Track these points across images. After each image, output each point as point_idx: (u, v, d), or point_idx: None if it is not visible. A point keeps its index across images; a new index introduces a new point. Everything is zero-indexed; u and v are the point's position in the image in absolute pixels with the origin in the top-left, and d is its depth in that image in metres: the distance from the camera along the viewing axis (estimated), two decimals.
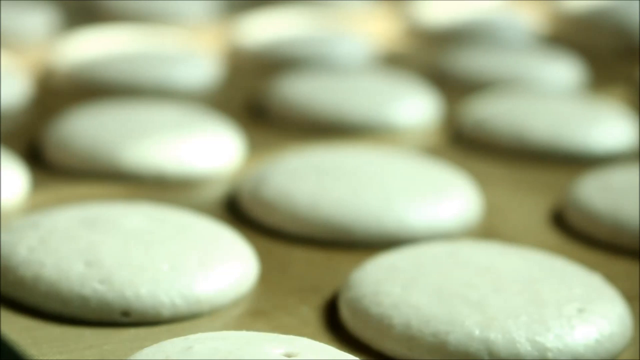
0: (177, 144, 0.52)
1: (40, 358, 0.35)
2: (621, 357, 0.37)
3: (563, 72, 0.71)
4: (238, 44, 0.76)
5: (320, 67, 0.71)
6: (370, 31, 0.82)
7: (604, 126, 0.58)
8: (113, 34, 0.73)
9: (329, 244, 0.45)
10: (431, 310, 0.36)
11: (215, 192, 0.50)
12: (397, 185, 0.47)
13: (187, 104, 0.60)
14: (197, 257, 0.39)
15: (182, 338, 0.34)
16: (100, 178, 0.51)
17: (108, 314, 0.37)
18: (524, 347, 0.35)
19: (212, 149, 0.53)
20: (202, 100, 0.64)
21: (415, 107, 0.62)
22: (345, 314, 0.38)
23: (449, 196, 0.47)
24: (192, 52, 0.70)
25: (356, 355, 0.34)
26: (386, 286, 0.38)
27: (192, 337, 0.34)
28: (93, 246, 0.39)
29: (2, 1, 0.79)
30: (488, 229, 0.47)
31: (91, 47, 0.69)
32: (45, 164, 0.52)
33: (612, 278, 0.40)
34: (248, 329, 0.36)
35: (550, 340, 0.35)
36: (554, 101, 0.63)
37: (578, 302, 0.37)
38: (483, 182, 0.51)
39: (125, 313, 0.37)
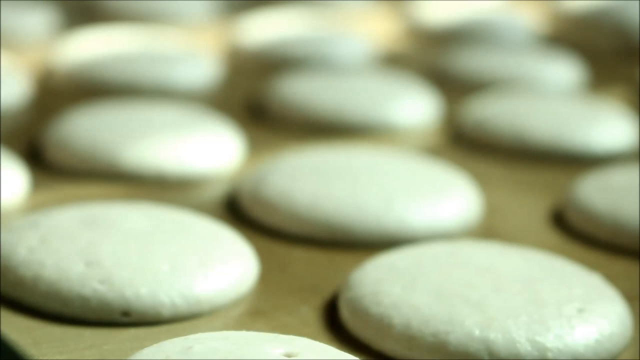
0: (177, 144, 0.52)
1: (40, 358, 0.35)
2: (621, 357, 0.37)
3: (563, 72, 0.71)
4: (238, 44, 0.76)
5: (320, 67, 0.71)
6: (370, 31, 0.82)
7: (604, 126, 0.58)
8: (113, 34, 0.73)
9: (329, 244, 0.45)
10: (431, 310, 0.36)
11: (215, 192, 0.50)
12: (397, 185, 0.47)
13: (187, 104, 0.60)
14: (197, 257, 0.39)
15: (182, 338, 0.34)
16: (100, 178, 0.51)
17: (108, 314, 0.37)
18: (524, 347, 0.35)
19: (212, 149, 0.53)
20: (202, 100, 0.64)
21: (415, 107, 0.62)
22: (345, 314, 0.38)
23: (449, 196, 0.47)
24: (192, 52, 0.70)
25: (356, 355, 0.34)
26: (386, 286, 0.38)
27: (192, 337, 0.34)
28: (93, 246, 0.39)
29: (2, 1, 0.79)
30: (488, 229, 0.47)
31: (91, 47, 0.69)
32: (45, 164, 0.52)
33: (612, 278, 0.40)
34: (248, 329, 0.36)
35: (550, 340, 0.35)
36: (554, 101, 0.63)
37: (578, 302, 0.37)
38: (483, 182, 0.51)
39: (125, 313, 0.37)
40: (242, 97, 0.65)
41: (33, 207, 0.47)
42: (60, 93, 0.65)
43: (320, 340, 0.35)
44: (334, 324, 0.38)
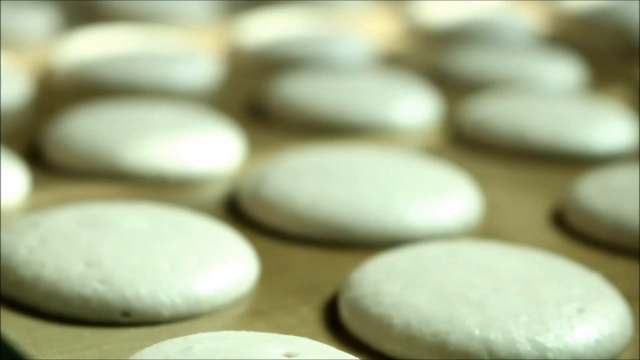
0: (177, 144, 0.52)
1: (40, 358, 0.35)
2: (621, 357, 0.37)
3: (563, 72, 0.71)
4: (238, 44, 0.76)
5: (320, 67, 0.71)
6: (370, 31, 0.82)
7: (604, 126, 0.58)
8: (113, 34, 0.73)
9: (329, 244, 0.45)
10: (431, 310, 0.36)
11: (215, 192, 0.50)
12: (397, 185, 0.47)
13: (187, 104, 0.60)
14: (197, 257, 0.39)
15: (182, 338, 0.34)
16: (100, 178, 0.51)
17: (108, 314, 0.37)
18: (524, 347, 0.35)
19: (212, 149, 0.53)
20: (202, 100, 0.64)
21: (415, 107, 0.62)
22: (345, 314, 0.38)
23: (449, 196, 0.47)
24: (192, 52, 0.70)
25: (356, 355, 0.34)
26: (386, 286, 0.38)
27: (192, 337, 0.34)
28: (93, 246, 0.39)
29: (2, 1, 0.79)
30: (488, 229, 0.47)
31: (91, 47, 0.69)
32: (45, 164, 0.52)
33: (612, 278, 0.40)
34: (248, 329, 0.36)
35: (550, 340, 0.35)
36: (554, 101, 0.63)
37: (578, 302, 0.37)
38: (483, 182, 0.51)
39: (125, 313, 0.37)
40: (242, 97, 0.65)
41: (33, 207, 0.47)
42: (60, 93, 0.65)
43: (320, 340, 0.35)
44: (334, 324, 0.38)
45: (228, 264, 0.40)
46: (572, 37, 0.84)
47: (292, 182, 0.47)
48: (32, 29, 0.76)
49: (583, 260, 0.43)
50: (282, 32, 0.77)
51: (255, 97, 0.65)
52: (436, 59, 0.73)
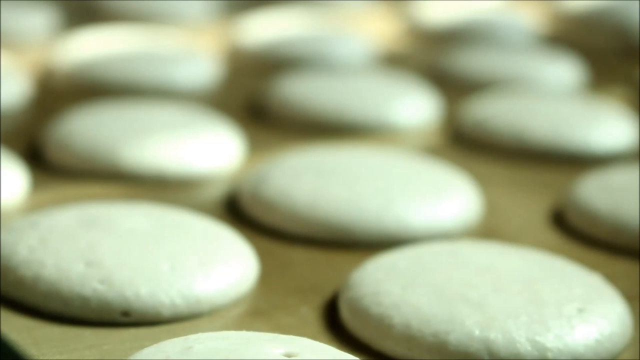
0: (177, 144, 0.52)
1: (40, 358, 0.35)
2: (621, 357, 0.37)
3: (563, 72, 0.71)
4: (238, 44, 0.76)
5: (320, 67, 0.71)
6: (370, 31, 0.82)
7: (604, 126, 0.58)
8: (113, 34, 0.73)
9: (329, 244, 0.45)
10: (431, 310, 0.36)
11: (215, 192, 0.50)
12: (397, 185, 0.47)
13: (187, 104, 0.60)
14: (197, 257, 0.39)
15: (182, 338, 0.34)
16: (100, 178, 0.51)
17: (108, 314, 0.37)
18: (524, 347, 0.35)
19: (212, 149, 0.53)
20: (202, 100, 0.64)
21: (415, 107, 0.62)
22: (345, 314, 0.38)
23: (449, 196, 0.47)
24: (192, 52, 0.70)
25: (356, 355, 0.34)
26: (386, 286, 0.38)
27: (192, 337, 0.34)
28: (93, 246, 0.39)
29: (2, 1, 0.79)
30: (488, 229, 0.47)
31: (91, 47, 0.69)
32: (45, 164, 0.52)
33: (612, 278, 0.40)
34: (248, 329, 0.36)
35: (550, 340, 0.35)
36: (554, 101, 0.63)
37: (578, 302, 0.37)
38: (483, 182, 0.51)
39: (125, 313, 0.37)
40: (242, 97, 0.65)
41: (33, 207, 0.47)
42: (60, 93, 0.65)
43: (320, 340, 0.35)
44: (334, 324, 0.38)
45: (228, 264, 0.40)
46: (572, 37, 0.84)
47: (292, 182, 0.47)
48: (32, 29, 0.76)
49: (583, 260, 0.43)
50: (282, 32, 0.77)
51: (255, 97, 0.65)
52: (436, 59, 0.73)
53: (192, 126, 0.54)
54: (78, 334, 0.37)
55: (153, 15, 0.83)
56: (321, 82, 0.63)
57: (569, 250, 0.45)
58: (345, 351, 0.34)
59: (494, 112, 0.59)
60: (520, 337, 0.35)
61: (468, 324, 0.36)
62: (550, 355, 0.35)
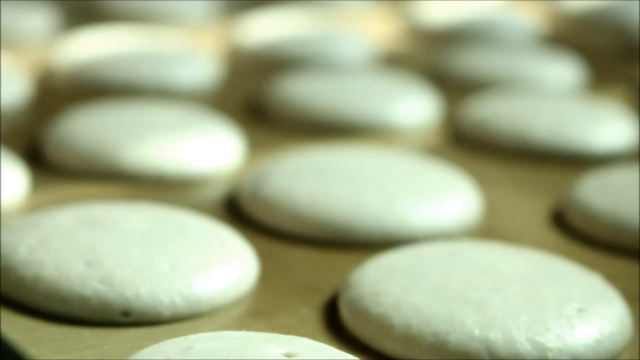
0: (177, 144, 0.52)
1: (40, 358, 0.35)
2: (621, 357, 0.37)
3: (563, 72, 0.71)
4: (238, 44, 0.76)
5: (320, 67, 0.71)
6: (370, 31, 0.82)
7: (604, 126, 0.58)
8: (113, 34, 0.73)
9: (329, 244, 0.45)
10: (431, 310, 0.36)
11: (215, 192, 0.50)
12: (397, 185, 0.47)
13: (187, 104, 0.60)
14: (197, 257, 0.39)
15: (182, 338, 0.34)
16: (100, 178, 0.51)
17: (108, 314, 0.37)
18: (524, 347, 0.35)
19: (212, 149, 0.53)
20: (202, 100, 0.64)
21: (415, 107, 0.62)
22: (345, 314, 0.38)
23: (449, 196, 0.47)
24: (192, 52, 0.70)
25: (356, 355, 0.34)
26: (386, 286, 0.38)
27: (192, 337, 0.34)
28: (93, 246, 0.39)
29: (2, 1, 0.79)
30: (488, 229, 0.47)
31: (91, 47, 0.69)
32: (45, 164, 0.52)
33: (612, 278, 0.40)
34: (248, 329, 0.36)
35: (550, 340, 0.35)
36: (554, 101, 0.63)
37: (578, 302, 0.37)
38: (483, 182, 0.51)
39: (125, 313, 0.37)
40: (242, 97, 0.65)
41: (33, 207, 0.47)
42: (60, 93, 0.65)
43: (320, 340, 0.35)
44: (334, 324, 0.38)
45: (228, 264, 0.40)
46: (572, 37, 0.84)
47: (292, 182, 0.47)
48: (32, 29, 0.76)
49: (583, 260, 0.43)
50: (282, 32, 0.77)
51: (255, 97, 0.65)
52: (436, 59, 0.73)
53: (192, 126, 0.54)
54: (78, 334, 0.37)
55: (153, 15, 0.83)
56: (321, 82, 0.63)
57: (569, 250, 0.45)
58: (345, 351, 0.34)
59: (494, 112, 0.59)
60: (520, 337, 0.35)
61: (468, 324, 0.36)
62: (550, 355, 0.35)
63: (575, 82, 0.70)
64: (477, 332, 0.35)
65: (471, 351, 0.35)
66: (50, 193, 0.49)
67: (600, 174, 0.50)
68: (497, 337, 0.35)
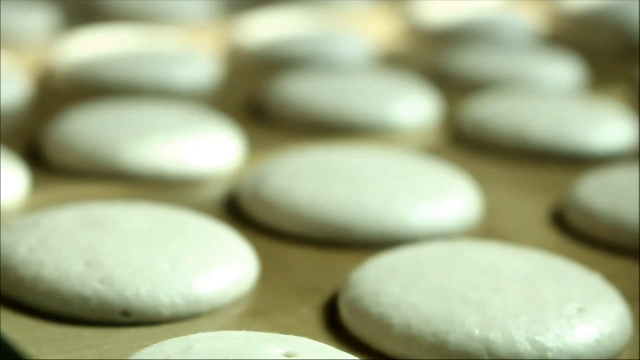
0: (177, 144, 0.52)
1: (40, 358, 0.35)
2: (621, 357, 0.37)
3: (563, 72, 0.71)
4: (238, 44, 0.76)
5: (320, 67, 0.71)
6: (370, 31, 0.82)
7: (604, 126, 0.58)
8: (113, 34, 0.73)
9: (329, 244, 0.45)
10: (431, 310, 0.36)
11: (215, 192, 0.50)
12: (397, 185, 0.47)
13: (187, 104, 0.60)
14: (197, 257, 0.39)
15: (182, 338, 0.34)
16: (100, 178, 0.51)
17: (108, 314, 0.37)
18: (524, 346, 0.35)
19: (212, 149, 0.53)
20: (202, 100, 0.64)
21: (415, 107, 0.62)
22: (345, 314, 0.38)
23: (449, 196, 0.47)
24: (192, 52, 0.70)
25: (356, 355, 0.34)
26: (386, 286, 0.38)
27: (192, 337, 0.34)
28: (93, 246, 0.39)
29: (2, 1, 0.79)
30: (488, 229, 0.47)
31: (91, 47, 0.69)
32: (45, 164, 0.52)
33: (612, 278, 0.40)
34: (248, 329, 0.36)
35: (550, 340, 0.35)
36: (554, 101, 0.63)
37: (578, 302, 0.37)
38: (483, 182, 0.51)
39: (125, 313, 0.37)
40: (242, 97, 0.65)
41: (33, 207, 0.47)
42: (60, 93, 0.65)
43: (320, 340, 0.35)
44: (334, 324, 0.38)
45: (228, 264, 0.40)
46: (572, 37, 0.84)
47: (292, 182, 0.47)
48: (32, 29, 0.76)
49: (583, 260, 0.43)
50: (282, 32, 0.77)
51: (255, 97, 0.65)
52: (436, 59, 0.73)
53: (192, 126, 0.54)
54: (78, 334, 0.37)
55: (153, 15, 0.83)
56: (321, 82, 0.64)
57: (569, 250, 0.45)
58: (345, 351, 0.34)
59: (494, 112, 0.59)
60: (521, 337, 0.35)
61: (468, 324, 0.36)
62: (550, 355, 0.35)
63: (575, 82, 0.70)
64: (477, 332, 0.35)
65: (471, 351, 0.35)
66: (50, 193, 0.49)
67: (600, 174, 0.50)
68: (497, 337, 0.35)
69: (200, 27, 0.82)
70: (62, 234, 0.40)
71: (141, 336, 0.37)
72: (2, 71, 0.62)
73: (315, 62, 0.72)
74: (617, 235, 0.45)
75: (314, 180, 0.47)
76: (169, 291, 0.38)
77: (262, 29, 0.77)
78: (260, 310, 0.39)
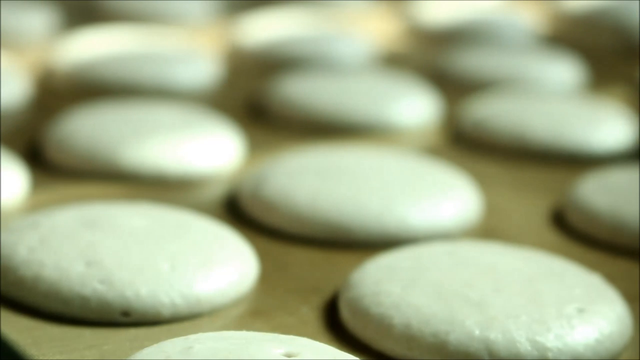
0: (177, 144, 0.52)
1: (40, 358, 0.35)
2: (621, 357, 0.37)
3: (563, 72, 0.71)
4: (238, 44, 0.76)
5: (320, 67, 0.71)
6: (370, 31, 0.82)
7: (604, 126, 0.58)
8: (113, 34, 0.73)
9: (329, 244, 0.45)
10: (431, 310, 0.36)
11: (215, 192, 0.50)
12: (397, 185, 0.47)
13: (187, 104, 0.60)
14: (197, 257, 0.39)
15: (182, 338, 0.34)
16: (100, 178, 0.51)
17: (108, 314, 0.37)
18: (524, 347, 0.35)
19: (212, 149, 0.53)
20: (202, 100, 0.64)
21: (415, 107, 0.62)
22: (345, 314, 0.38)
23: (449, 196, 0.47)
24: (192, 52, 0.70)
25: (356, 355, 0.34)
26: (386, 286, 0.38)
27: (192, 337, 0.34)
28: (93, 246, 0.39)
29: (2, 1, 0.79)
30: (488, 229, 0.47)
31: (91, 47, 0.69)
32: (45, 164, 0.52)
33: (612, 278, 0.40)
34: (248, 329, 0.36)
35: (551, 340, 0.35)
36: (554, 101, 0.63)
37: (578, 302, 0.37)
38: (483, 182, 0.51)
39: (125, 313, 0.37)
40: (242, 97, 0.65)
41: (33, 207, 0.47)
42: (60, 93, 0.65)
43: (320, 340, 0.35)
44: (334, 324, 0.38)
45: (228, 264, 0.40)
46: (572, 37, 0.84)
47: (292, 182, 0.47)
48: (32, 29, 0.76)
49: (583, 260, 0.43)
50: (282, 32, 0.77)
51: (255, 97, 0.65)
52: (436, 59, 0.73)
53: (192, 126, 0.54)
54: (78, 334, 0.37)
55: (153, 15, 0.83)
56: (321, 82, 0.64)
57: (569, 250, 0.45)
58: (345, 351, 0.34)
59: (494, 112, 0.59)
60: (521, 337, 0.35)
61: (468, 324, 0.36)
62: (550, 355, 0.35)
63: (575, 82, 0.70)
64: (477, 332, 0.35)
65: (471, 351, 0.35)
66: (50, 193, 0.49)
67: (600, 174, 0.50)
68: (497, 337, 0.35)
69: (200, 27, 0.82)
70: (62, 234, 0.40)
71: (141, 336, 0.37)
72: (2, 71, 0.62)
73: (315, 62, 0.72)
74: (617, 235, 0.45)
75: (314, 180, 0.47)
76: (169, 291, 0.38)
77: (262, 29, 0.77)
78: (260, 310, 0.39)
